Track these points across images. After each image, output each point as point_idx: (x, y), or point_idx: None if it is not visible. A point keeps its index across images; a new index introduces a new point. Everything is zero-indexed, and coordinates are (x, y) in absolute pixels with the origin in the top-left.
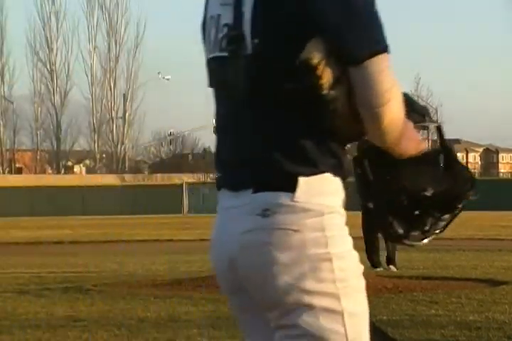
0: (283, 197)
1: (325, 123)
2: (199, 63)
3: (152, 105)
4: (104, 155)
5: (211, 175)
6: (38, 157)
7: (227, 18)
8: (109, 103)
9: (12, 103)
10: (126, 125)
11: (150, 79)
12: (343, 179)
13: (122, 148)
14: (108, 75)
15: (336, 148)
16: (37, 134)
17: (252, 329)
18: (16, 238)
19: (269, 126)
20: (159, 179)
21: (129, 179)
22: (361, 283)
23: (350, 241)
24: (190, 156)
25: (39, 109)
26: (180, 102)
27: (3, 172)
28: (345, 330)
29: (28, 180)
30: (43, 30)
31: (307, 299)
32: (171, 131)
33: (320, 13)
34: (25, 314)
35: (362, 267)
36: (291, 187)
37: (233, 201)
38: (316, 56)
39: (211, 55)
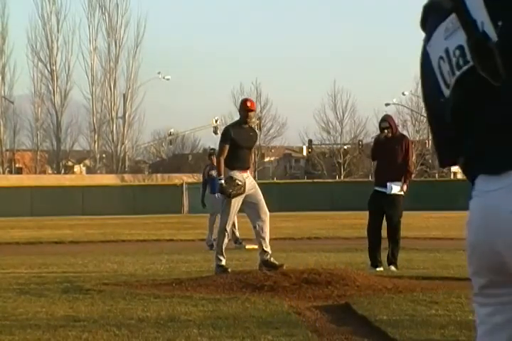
0: None
1: None
2: (199, 63)
3: (152, 105)
4: (104, 155)
5: None
6: (38, 157)
7: (457, 41)
8: (109, 103)
9: (12, 103)
10: (126, 125)
11: (150, 79)
12: None
13: (122, 148)
14: (108, 75)
15: None
16: (37, 134)
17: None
18: (16, 238)
19: None
20: (159, 179)
21: (129, 179)
22: None
23: None
24: (190, 156)
25: (39, 109)
26: (181, 102)
27: (3, 172)
28: None
29: (28, 180)
30: (44, 30)
31: None
32: (171, 131)
33: None
34: (25, 314)
35: None
36: None
37: (494, 184)
38: None
39: (453, 80)
